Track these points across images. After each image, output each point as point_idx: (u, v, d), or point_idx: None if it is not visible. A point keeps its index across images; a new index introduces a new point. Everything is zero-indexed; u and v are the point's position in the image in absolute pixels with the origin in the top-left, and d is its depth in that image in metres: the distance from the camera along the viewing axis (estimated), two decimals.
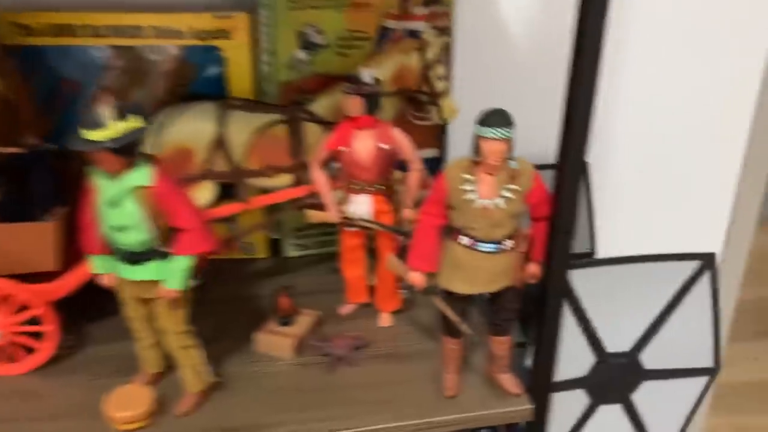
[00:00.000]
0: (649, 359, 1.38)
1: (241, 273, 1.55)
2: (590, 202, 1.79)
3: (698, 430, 2.32)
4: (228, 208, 1.31)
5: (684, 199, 1.97)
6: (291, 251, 1.60)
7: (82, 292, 1.20)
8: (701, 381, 1.43)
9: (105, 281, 1.09)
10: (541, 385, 1.18)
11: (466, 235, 1.06)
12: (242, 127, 1.28)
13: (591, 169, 1.77)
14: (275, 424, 1.11)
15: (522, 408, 1.17)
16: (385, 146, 1.21)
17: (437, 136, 1.52)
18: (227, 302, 1.43)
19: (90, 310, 1.31)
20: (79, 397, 1.15)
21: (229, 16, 1.37)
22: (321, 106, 1.33)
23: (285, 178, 1.31)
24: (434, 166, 1.38)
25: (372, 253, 1.35)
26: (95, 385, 1.17)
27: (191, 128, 1.26)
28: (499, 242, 1.05)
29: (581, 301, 1.32)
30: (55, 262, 1.16)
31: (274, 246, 1.63)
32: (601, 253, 1.85)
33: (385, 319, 1.36)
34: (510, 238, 1.06)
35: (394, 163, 1.26)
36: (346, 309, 1.40)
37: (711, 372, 1.42)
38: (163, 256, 1.03)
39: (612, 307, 1.34)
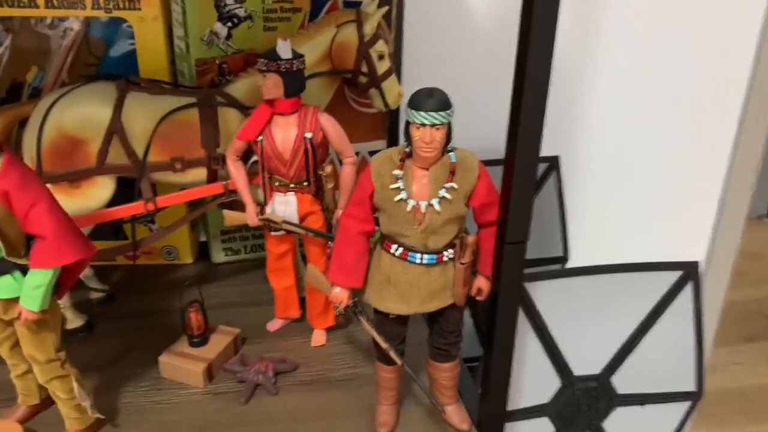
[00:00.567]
0: (622, 383, 1.21)
1: (161, 282, 1.36)
2: (562, 201, 1.61)
3: None
4: (127, 209, 1.10)
5: (668, 198, 1.79)
6: (219, 256, 1.40)
7: None
8: (682, 407, 1.26)
9: None
10: (492, 417, 0.99)
11: (397, 243, 0.87)
12: (145, 113, 1.08)
13: (562, 165, 1.59)
14: None
15: None
16: (310, 135, 1.02)
17: (383, 125, 1.33)
18: (139, 317, 1.24)
19: None
20: None
21: None
22: (240, 88, 1.13)
23: (196, 173, 1.11)
24: None
25: (306, 261, 1.15)
26: None
27: (83, 113, 1.06)
28: (436, 252, 0.86)
29: (544, 318, 1.14)
30: None
31: (202, 250, 1.44)
32: (576, 260, 1.67)
33: (317, 338, 1.17)
34: (450, 247, 0.87)
35: (322, 155, 1.07)
36: (274, 325, 1.21)
37: (693, 396, 1.25)
38: (21, 269, 0.83)
39: (580, 325, 1.16)
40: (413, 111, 0.79)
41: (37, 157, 1.05)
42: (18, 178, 0.78)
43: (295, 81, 1.00)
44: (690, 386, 1.23)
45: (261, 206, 1.10)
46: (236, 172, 1.08)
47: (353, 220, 0.88)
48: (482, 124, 1.21)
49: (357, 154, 1.16)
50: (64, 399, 0.92)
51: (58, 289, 0.87)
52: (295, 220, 1.09)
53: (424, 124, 0.79)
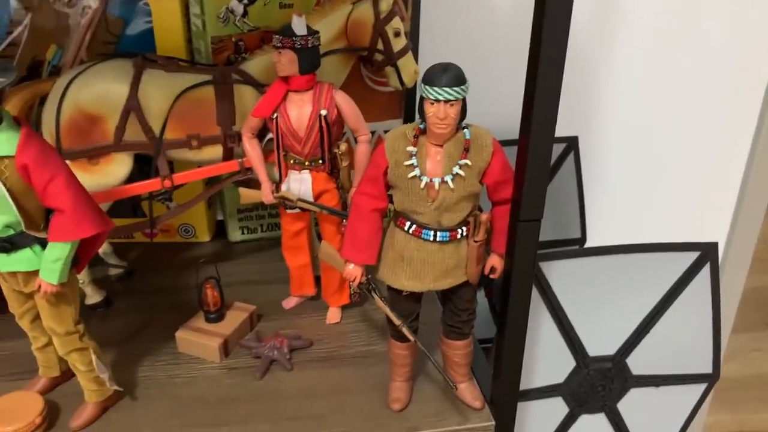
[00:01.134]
0: (637, 364, 1.20)
1: (178, 259, 1.37)
2: (580, 182, 1.59)
3: (696, 427, 2.15)
4: (144, 186, 1.11)
5: (689, 181, 1.76)
6: (236, 235, 1.41)
7: None
8: (698, 389, 1.25)
9: None
10: (505, 396, 0.99)
11: (411, 220, 0.87)
12: (161, 90, 1.08)
13: (581, 145, 1.57)
14: None
15: (483, 424, 0.99)
16: (325, 112, 1.02)
17: (399, 103, 1.32)
18: (156, 293, 1.26)
19: None
20: None
21: None
22: (256, 66, 1.12)
23: (212, 150, 1.12)
24: None
25: (321, 239, 1.16)
26: None
27: (100, 90, 1.06)
28: (450, 230, 0.86)
29: (559, 298, 1.14)
30: None
31: (219, 229, 1.45)
32: (593, 242, 1.65)
33: (332, 315, 1.18)
34: (464, 224, 0.87)
35: (337, 133, 1.06)
36: (289, 302, 1.22)
37: (709, 378, 1.24)
38: (41, 243, 0.84)
39: (595, 305, 1.16)
40: (427, 86, 0.79)
41: (56, 133, 1.06)
42: (37, 153, 0.79)
43: (310, 58, 0.99)
44: (706, 368, 1.22)
45: (276, 184, 1.10)
46: (251, 149, 1.08)
47: (367, 197, 0.88)
48: (499, 103, 1.19)
49: (372, 133, 1.16)
50: (83, 371, 0.94)
51: (76, 262, 0.88)
52: (310, 198, 1.09)
53: (438, 100, 0.78)
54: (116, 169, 1.10)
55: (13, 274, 0.87)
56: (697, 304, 1.18)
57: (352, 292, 1.17)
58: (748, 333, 2.61)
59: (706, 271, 1.15)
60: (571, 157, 1.56)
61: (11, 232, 0.83)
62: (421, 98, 0.80)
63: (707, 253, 1.14)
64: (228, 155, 1.13)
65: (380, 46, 1.13)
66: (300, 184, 1.08)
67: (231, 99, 1.10)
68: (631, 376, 1.21)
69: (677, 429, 1.29)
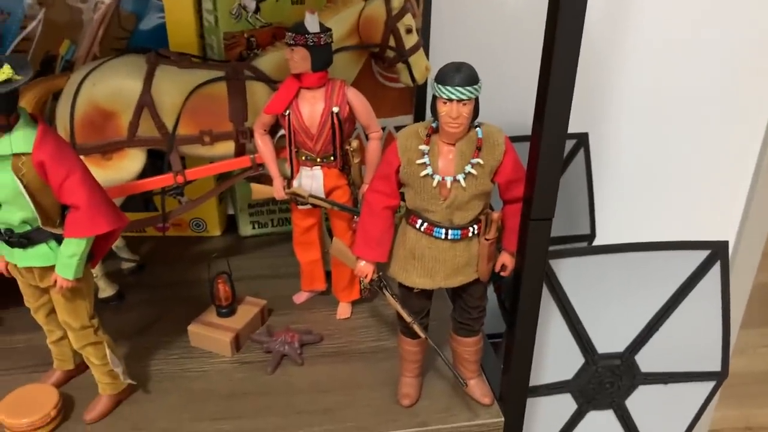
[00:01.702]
0: (646, 361, 1.21)
1: (190, 253, 1.38)
2: (590, 179, 1.59)
3: (704, 422, 2.15)
4: (156, 181, 1.12)
5: (699, 179, 1.76)
6: (247, 229, 1.42)
7: None
8: (706, 386, 1.25)
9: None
10: (514, 392, 1.00)
11: (423, 218, 0.87)
12: (174, 86, 1.09)
13: (591, 142, 1.57)
14: None
15: (492, 420, 0.99)
16: (337, 109, 1.02)
17: (410, 100, 1.32)
18: (168, 287, 1.27)
19: (6, 295, 1.14)
20: None
21: None
22: (268, 62, 1.13)
23: (224, 146, 1.12)
24: None
25: (331, 235, 1.16)
26: (2, 381, 1.02)
27: (114, 86, 1.07)
28: (461, 228, 0.87)
29: (568, 295, 1.14)
30: None
31: (229, 223, 1.46)
32: (603, 239, 1.65)
33: (342, 310, 1.19)
34: (475, 222, 0.87)
35: (349, 129, 1.07)
36: (300, 297, 1.23)
37: (718, 376, 1.24)
38: (56, 238, 0.85)
39: (605, 303, 1.16)
40: (440, 86, 0.79)
41: (70, 129, 1.07)
42: (53, 149, 0.80)
43: (322, 55, 0.99)
44: (715, 366, 1.23)
45: (288, 180, 1.11)
46: (263, 145, 1.08)
47: (379, 195, 0.88)
48: (510, 100, 1.19)
49: (383, 129, 1.17)
50: (97, 364, 0.95)
51: (91, 258, 0.89)
52: (322, 194, 1.09)
53: (451, 99, 0.79)
54: (129, 164, 1.10)
55: (30, 269, 0.88)
56: (707, 302, 1.18)
57: (362, 288, 1.18)
58: (757, 329, 2.60)
59: (716, 270, 1.15)
60: (581, 153, 1.56)
61: (28, 228, 0.84)
62: (434, 97, 0.81)
63: (717, 251, 1.14)
64: (240, 151, 1.13)
65: (392, 42, 1.13)
66: (311, 180, 1.09)
67: (243, 95, 1.11)
68: (639, 374, 1.22)
69: (685, 426, 1.30)
